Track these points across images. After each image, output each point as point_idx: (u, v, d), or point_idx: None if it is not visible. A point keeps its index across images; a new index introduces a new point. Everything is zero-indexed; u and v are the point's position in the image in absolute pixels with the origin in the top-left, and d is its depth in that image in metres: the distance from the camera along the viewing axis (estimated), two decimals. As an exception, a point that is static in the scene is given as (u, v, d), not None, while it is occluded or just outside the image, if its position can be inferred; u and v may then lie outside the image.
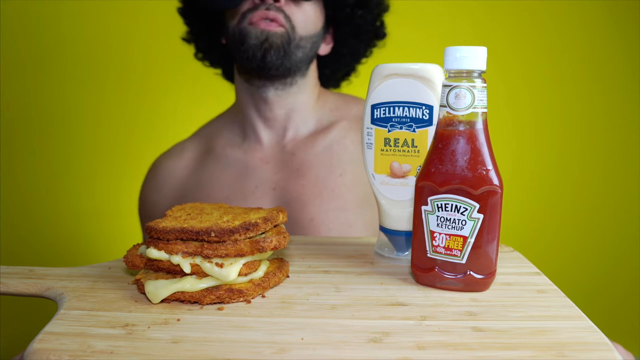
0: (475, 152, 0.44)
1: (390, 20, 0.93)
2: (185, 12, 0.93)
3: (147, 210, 0.90)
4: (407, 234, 0.54)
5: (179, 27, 1.45)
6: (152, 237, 0.45)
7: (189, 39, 0.96)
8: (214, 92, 1.40)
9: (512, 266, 0.53)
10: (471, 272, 0.45)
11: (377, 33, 0.92)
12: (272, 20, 0.75)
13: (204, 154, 0.88)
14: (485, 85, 0.44)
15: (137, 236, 1.11)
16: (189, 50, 1.50)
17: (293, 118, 0.85)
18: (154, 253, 0.44)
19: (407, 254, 0.55)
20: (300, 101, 0.84)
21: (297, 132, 0.85)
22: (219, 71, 1.00)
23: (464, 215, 0.44)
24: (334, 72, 0.94)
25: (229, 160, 0.85)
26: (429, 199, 0.45)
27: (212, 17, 0.87)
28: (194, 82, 1.48)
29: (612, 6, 1.50)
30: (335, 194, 0.80)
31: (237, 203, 0.81)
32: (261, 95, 0.82)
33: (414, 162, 0.52)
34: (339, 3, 0.83)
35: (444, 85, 0.45)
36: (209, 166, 0.86)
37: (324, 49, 0.87)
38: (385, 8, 0.91)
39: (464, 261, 0.45)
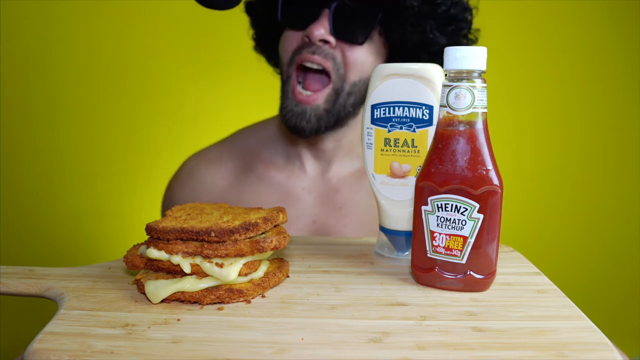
0: (475, 152, 0.44)
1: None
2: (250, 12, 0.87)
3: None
4: (407, 234, 0.54)
5: (181, 27, 1.46)
6: (152, 237, 0.45)
7: (256, 45, 0.90)
8: (215, 92, 1.40)
9: (512, 266, 0.53)
10: (471, 272, 0.45)
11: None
12: (319, 64, 0.70)
13: (245, 170, 0.85)
14: (485, 85, 0.44)
15: (138, 236, 1.11)
16: (190, 50, 1.50)
17: (339, 153, 0.82)
18: (154, 253, 0.44)
19: (407, 254, 0.55)
20: (349, 137, 0.82)
21: (342, 167, 0.83)
22: (220, 71, 0.98)
23: (464, 215, 0.44)
24: None
25: (272, 182, 0.82)
26: (429, 199, 0.45)
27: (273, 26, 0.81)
28: (195, 82, 1.48)
29: (612, 6, 1.50)
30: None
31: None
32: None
33: (414, 162, 0.52)
34: (402, 43, 0.74)
35: (444, 86, 0.45)
36: (251, 185, 0.83)
37: None
38: (466, 25, 0.78)
39: (464, 261, 0.45)
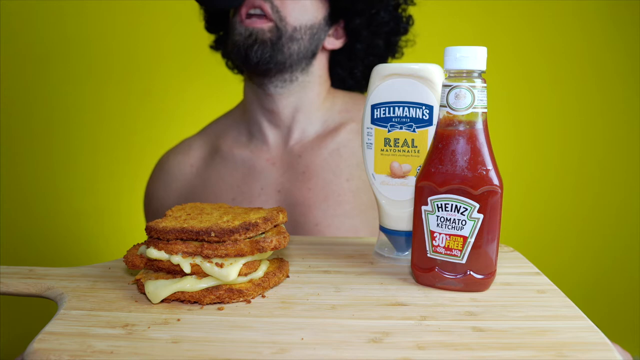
0: (475, 152, 0.44)
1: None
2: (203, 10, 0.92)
3: (153, 206, 0.89)
4: (407, 234, 0.54)
5: (181, 26, 1.46)
6: (152, 237, 0.45)
7: (214, 46, 0.95)
8: (215, 91, 1.40)
9: (512, 266, 0.53)
10: (471, 272, 0.45)
11: (396, 27, 0.86)
12: (258, 7, 0.74)
13: (211, 153, 0.87)
14: (485, 85, 0.44)
15: (138, 236, 1.11)
16: (190, 49, 1.50)
17: (298, 117, 0.83)
18: (154, 253, 0.44)
19: (407, 254, 0.55)
20: (305, 100, 0.82)
21: (303, 133, 0.83)
22: (221, 72, 0.99)
23: (464, 215, 0.44)
24: (350, 71, 0.89)
25: (236, 161, 0.84)
26: (429, 199, 0.45)
27: (222, 16, 0.86)
28: (195, 81, 1.48)
29: (612, 6, 1.50)
30: (342, 200, 0.78)
31: (244, 204, 0.80)
32: (265, 91, 0.81)
33: (414, 162, 0.52)
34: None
35: (444, 85, 0.45)
36: (217, 166, 0.85)
37: (333, 43, 0.83)
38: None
39: (464, 261, 0.45)
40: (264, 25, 0.74)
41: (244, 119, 0.87)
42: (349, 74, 0.90)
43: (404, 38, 0.90)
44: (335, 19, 0.82)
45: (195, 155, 0.88)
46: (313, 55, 0.80)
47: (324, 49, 0.82)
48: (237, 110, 0.90)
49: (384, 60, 0.90)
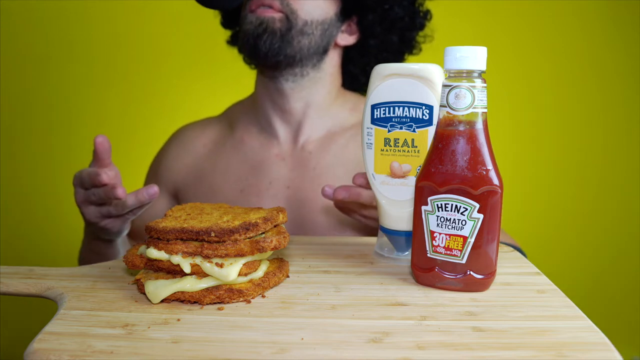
0: (475, 152, 0.44)
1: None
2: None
3: (158, 173, 0.89)
4: (407, 234, 0.54)
5: (182, 27, 1.46)
6: (152, 237, 0.45)
7: (230, 41, 0.95)
8: (217, 91, 1.41)
9: (512, 266, 0.53)
10: (471, 272, 0.45)
11: (411, 22, 0.84)
12: (269, 6, 0.74)
13: (224, 138, 0.87)
14: (485, 85, 0.44)
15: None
16: (191, 50, 1.50)
17: (309, 114, 0.82)
18: (154, 253, 0.44)
19: (407, 254, 0.55)
20: (316, 96, 0.81)
21: (313, 130, 0.82)
22: (221, 71, 0.99)
23: (464, 215, 0.44)
24: (363, 68, 0.88)
25: (245, 150, 0.84)
26: (429, 199, 0.45)
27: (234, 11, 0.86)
28: (197, 82, 1.48)
29: (612, 6, 1.50)
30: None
31: (252, 197, 0.80)
32: (276, 86, 0.80)
33: (414, 162, 0.52)
34: None
35: (444, 85, 0.45)
36: (227, 152, 0.85)
37: (346, 39, 0.82)
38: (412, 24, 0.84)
39: (464, 261, 0.45)
40: (275, 14, 0.74)
41: (255, 109, 0.86)
42: (362, 70, 0.88)
43: (421, 33, 0.87)
44: (348, 15, 0.80)
45: (209, 135, 0.88)
46: (325, 51, 0.79)
47: (336, 45, 0.81)
48: (249, 100, 0.90)
49: (400, 57, 0.88)
